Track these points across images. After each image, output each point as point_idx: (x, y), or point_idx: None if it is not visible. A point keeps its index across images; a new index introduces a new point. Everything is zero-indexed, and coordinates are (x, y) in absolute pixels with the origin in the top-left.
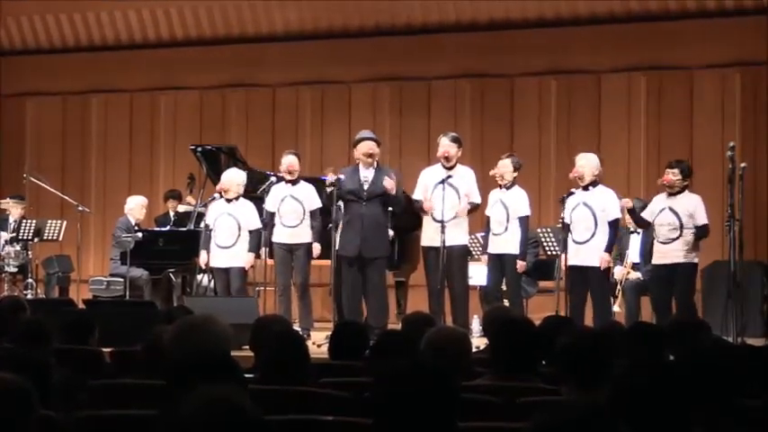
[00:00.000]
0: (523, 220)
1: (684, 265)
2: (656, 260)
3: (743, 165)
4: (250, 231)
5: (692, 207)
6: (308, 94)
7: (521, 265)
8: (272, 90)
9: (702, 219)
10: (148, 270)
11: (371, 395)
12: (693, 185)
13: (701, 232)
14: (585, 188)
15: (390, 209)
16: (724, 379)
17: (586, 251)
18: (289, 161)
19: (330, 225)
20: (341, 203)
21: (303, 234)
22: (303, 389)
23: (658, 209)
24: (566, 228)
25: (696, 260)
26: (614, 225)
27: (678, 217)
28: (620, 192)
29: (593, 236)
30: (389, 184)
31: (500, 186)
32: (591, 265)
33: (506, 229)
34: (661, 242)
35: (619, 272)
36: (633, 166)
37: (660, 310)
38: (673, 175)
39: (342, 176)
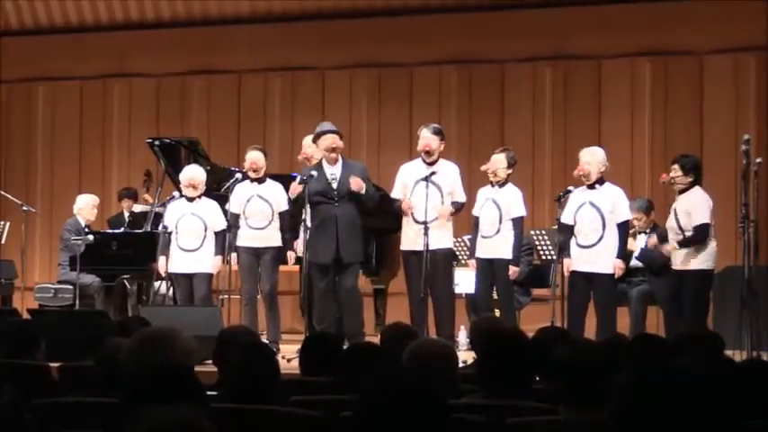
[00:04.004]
0: (518, 221)
1: (691, 272)
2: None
3: (758, 160)
4: (216, 233)
5: (689, 205)
6: (277, 81)
7: (513, 270)
8: (238, 77)
9: (699, 218)
10: (101, 276)
11: (355, 412)
12: (703, 182)
13: (696, 234)
14: (591, 186)
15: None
16: (733, 397)
17: (593, 256)
18: (252, 158)
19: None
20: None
21: (271, 237)
22: (272, 407)
23: (671, 211)
24: (566, 229)
25: (706, 266)
26: (624, 227)
27: (677, 220)
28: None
29: (600, 239)
30: (356, 184)
31: (491, 184)
32: (598, 272)
33: (498, 231)
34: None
35: None
36: (637, 161)
37: (669, 320)
38: (673, 172)
39: (314, 173)
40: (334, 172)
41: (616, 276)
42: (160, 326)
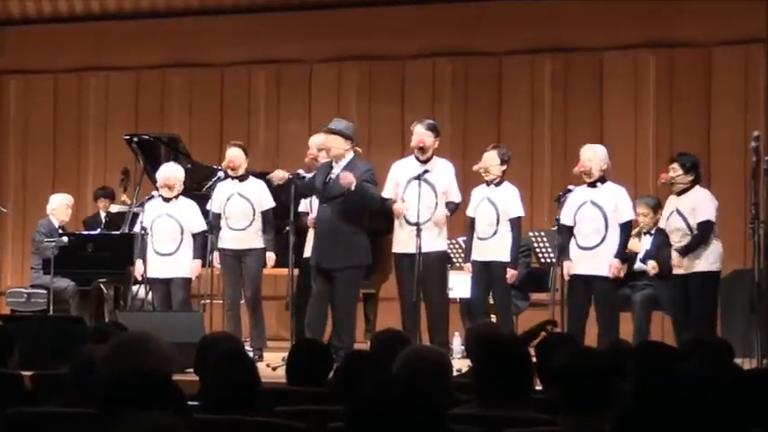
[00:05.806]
0: (516, 222)
1: (697, 275)
2: (674, 270)
3: None
4: (194, 235)
5: (695, 204)
6: (261, 74)
7: (512, 273)
8: (220, 71)
9: (704, 215)
10: (76, 280)
11: (345, 424)
12: (711, 182)
13: (701, 231)
14: (592, 185)
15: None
16: (738, 403)
17: (594, 258)
18: (229, 155)
19: (287, 228)
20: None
21: (253, 238)
22: (255, 418)
23: (668, 212)
24: (566, 230)
25: (713, 268)
26: (627, 228)
27: (685, 219)
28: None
29: (603, 240)
30: (344, 178)
31: (486, 183)
32: (599, 275)
33: (495, 232)
34: (676, 249)
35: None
36: (641, 159)
37: (677, 327)
38: (672, 171)
39: (300, 171)
40: (334, 172)
41: (612, 276)
42: (136, 330)
